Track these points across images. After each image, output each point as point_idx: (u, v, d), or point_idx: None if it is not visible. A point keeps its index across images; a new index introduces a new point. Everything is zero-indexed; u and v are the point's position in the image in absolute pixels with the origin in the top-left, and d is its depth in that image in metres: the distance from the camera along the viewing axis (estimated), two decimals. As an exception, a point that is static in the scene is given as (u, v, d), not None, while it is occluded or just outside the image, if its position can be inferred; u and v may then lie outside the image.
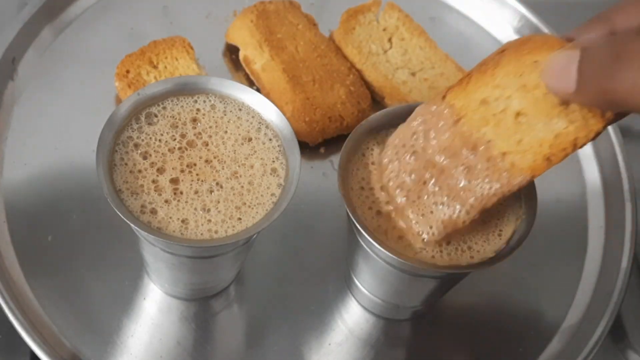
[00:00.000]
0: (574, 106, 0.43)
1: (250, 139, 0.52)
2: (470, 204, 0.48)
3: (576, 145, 0.44)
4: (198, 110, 0.53)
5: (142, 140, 0.51)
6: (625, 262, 0.65)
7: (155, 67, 0.69)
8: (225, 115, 0.53)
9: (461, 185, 0.48)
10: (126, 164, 0.50)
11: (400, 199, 0.51)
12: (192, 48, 0.71)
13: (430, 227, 0.50)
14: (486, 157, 0.47)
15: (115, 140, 0.51)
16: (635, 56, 0.37)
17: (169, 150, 0.51)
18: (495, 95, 0.46)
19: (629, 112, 0.43)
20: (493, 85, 0.46)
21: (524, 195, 0.52)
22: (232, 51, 0.75)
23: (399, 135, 0.52)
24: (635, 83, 0.37)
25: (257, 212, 0.50)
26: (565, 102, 0.44)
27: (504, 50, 0.46)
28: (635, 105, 0.38)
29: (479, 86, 0.47)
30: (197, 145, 0.52)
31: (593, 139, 0.44)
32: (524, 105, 0.45)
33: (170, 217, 0.48)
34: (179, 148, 0.51)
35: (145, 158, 0.50)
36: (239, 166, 0.51)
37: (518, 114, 0.45)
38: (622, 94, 0.38)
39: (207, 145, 0.52)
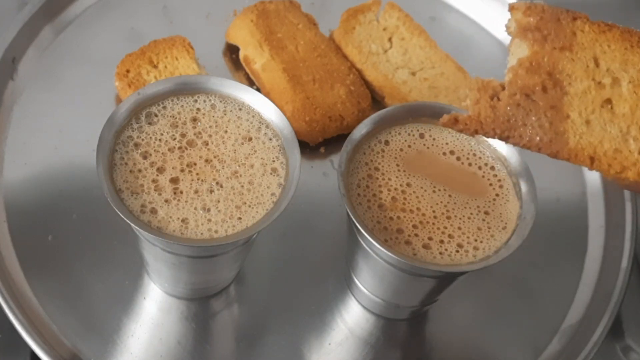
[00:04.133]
0: None
1: (250, 139, 0.52)
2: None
3: (620, 175, 0.41)
4: (198, 109, 0.53)
5: (142, 139, 0.51)
6: (625, 262, 0.65)
7: (155, 66, 0.69)
8: (225, 114, 0.53)
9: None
10: (126, 164, 0.50)
11: None
12: (192, 48, 0.71)
13: None
14: (550, 104, 0.42)
15: (116, 139, 0.51)
16: None
17: (169, 149, 0.51)
18: (615, 67, 0.41)
19: None
20: (624, 58, 0.41)
21: (524, 195, 0.52)
22: (232, 51, 0.75)
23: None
24: None
25: (257, 212, 0.50)
26: None
27: (610, 25, 0.42)
28: None
29: (610, 43, 0.41)
30: (197, 144, 0.52)
31: (635, 180, 0.40)
32: (624, 100, 0.40)
33: (171, 217, 0.48)
34: (179, 147, 0.51)
35: (145, 158, 0.50)
36: (239, 166, 0.51)
37: (611, 102, 0.41)
38: None
39: (207, 144, 0.52)
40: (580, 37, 0.43)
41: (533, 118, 0.43)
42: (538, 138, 0.42)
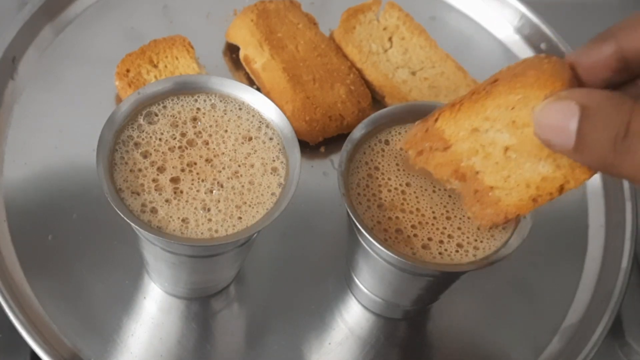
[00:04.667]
0: None
1: (250, 138, 0.52)
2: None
3: (562, 190, 0.43)
4: (198, 109, 0.53)
5: (143, 139, 0.51)
6: (625, 262, 0.65)
7: (155, 66, 0.69)
8: (225, 114, 0.53)
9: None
10: (126, 163, 0.50)
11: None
12: (192, 47, 0.71)
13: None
14: (474, 188, 0.47)
15: (116, 139, 0.51)
16: None
17: (169, 149, 0.51)
18: (486, 127, 0.44)
19: None
20: (484, 116, 0.44)
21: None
22: (232, 50, 0.75)
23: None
24: None
25: (257, 212, 0.50)
26: None
27: (497, 80, 0.44)
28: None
29: (469, 115, 0.45)
30: (197, 144, 0.52)
31: (578, 186, 0.43)
32: (513, 142, 0.43)
33: (171, 217, 0.48)
34: (179, 147, 0.51)
35: (145, 157, 0.50)
36: (239, 165, 0.51)
37: (507, 149, 0.44)
38: (628, 170, 0.36)
39: (207, 144, 0.52)
40: (446, 128, 0.47)
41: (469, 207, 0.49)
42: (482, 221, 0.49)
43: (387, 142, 0.55)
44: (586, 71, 0.42)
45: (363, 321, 0.61)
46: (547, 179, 0.43)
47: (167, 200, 0.49)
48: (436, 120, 0.47)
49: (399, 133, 0.55)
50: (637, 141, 0.35)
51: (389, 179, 0.53)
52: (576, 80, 0.42)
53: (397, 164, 0.54)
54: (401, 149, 0.51)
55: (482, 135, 0.45)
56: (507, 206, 0.46)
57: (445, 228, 0.51)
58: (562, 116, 0.38)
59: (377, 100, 0.73)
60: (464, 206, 0.49)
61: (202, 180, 0.50)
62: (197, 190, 0.50)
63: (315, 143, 0.69)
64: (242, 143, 0.52)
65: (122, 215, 0.46)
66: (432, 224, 0.51)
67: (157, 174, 0.50)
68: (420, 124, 0.50)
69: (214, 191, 0.50)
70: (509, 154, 0.44)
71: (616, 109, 0.36)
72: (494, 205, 0.47)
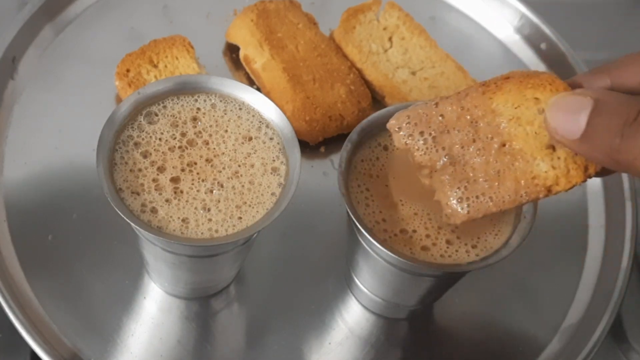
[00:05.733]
0: (561, 152, 0.44)
1: (250, 138, 0.52)
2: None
3: (550, 192, 0.44)
4: (198, 109, 0.53)
5: (143, 139, 0.51)
6: (625, 262, 0.65)
7: (155, 66, 0.69)
8: (225, 114, 0.53)
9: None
10: (126, 163, 0.50)
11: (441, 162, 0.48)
12: (192, 47, 0.71)
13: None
14: (460, 177, 0.46)
15: (116, 139, 0.51)
16: None
17: (170, 149, 0.51)
18: (487, 120, 0.45)
19: (616, 172, 0.43)
20: (489, 109, 0.45)
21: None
22: (232, 50, 0.75)
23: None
24: None
25: (257, 212, 0.50)
26: (552, 146, 0.44)
27: (509, 77, 0.45)
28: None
29: (474, 105, 0.45)
30: (197, 144, 0.52)
31: (568, 189, 0.44)
32: (512, 138, 0.44)
33: (171, 216, 0.48)
34: (180, 147, 0.51)
35: (145, 157, 0.50)
36: (239, 165, 0.51)
37: (503, 144, 0.45)
38: (631, 158, 0.38)
39: (207, 144, 0.52)
40: (445, 113, 0.46)
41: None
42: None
43: (385, 150, 0.55)
44: None
45: (363, 321, 0.61)
46: (539, 178, 0.44)
47: (167, 200, 0.49)
48: (436, 104, 0.47)
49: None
50: None
51: (389, 178, 0.53)
52: None
53: (397, 163, 0.54)
54: (389, 129, 0.50)
55: (482, 127, 0.45)
56: (490, 202, 0.46)
57: (445, 228, 0.51)
58: (575, 107, 0.40)
59: (377, 100, 0.73)
60: (440, 197, 0.48)
61: (202, 180, 0.50)
62: (197, 190, 0.50)
63: (315, 143, 0.69)
64: (242, 143, 0.52)
65: (122, 215, 0.46)
66: (433, 224, 0.51)
67: (157, 174, 0.50)
68: (414, 108, 0.48)
69: (214, 191, 0.50)
70: (504, 149, 0.45)
71: (627, 101, 0.39)
72: (476, 198, 0.46)
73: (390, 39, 0.76)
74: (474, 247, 0.51)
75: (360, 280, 0.59)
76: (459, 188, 0.46)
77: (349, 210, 0.50)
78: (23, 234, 0.61)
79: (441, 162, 0.47)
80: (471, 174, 0.46)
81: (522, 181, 0.44)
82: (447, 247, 0.51)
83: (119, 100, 0.69)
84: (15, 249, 0.60)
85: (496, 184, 0.45)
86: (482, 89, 0.45)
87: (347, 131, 0.65)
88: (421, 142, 0.47)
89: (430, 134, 0.47)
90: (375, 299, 0.59)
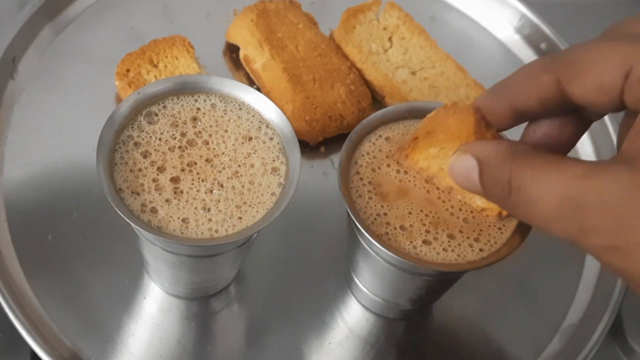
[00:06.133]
0: None
1: (250, 138, 0.52)
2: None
3: (501, 216, 0.50)
4: (198, 109, 0.53)
5: (143, 139, 0.51)
6: (625, 261, 0.65)
7: (155, 66, 0.69)
8: (225, 114, 0.53)
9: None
10: (126, 163, 0.50)
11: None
12: (192, 47, 0.71)
13: None
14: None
15: (116, 139, 0.51)
16: (525, 192, 0.38)
17: (169, 149, 0.51)
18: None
19: None
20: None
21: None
22: (232, 50, 0.75)
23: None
24: (531, 215, 0.38)
25: (257, 212, 0.50)
26: None
27: (416, 138, 0.50)
28: (539, 226, 0.39)
29: (414, 159, 0.50)
30: (197, 144, 0.52)
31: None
32: (451, 186, 0.50)
33: (171, 216, 0.48)
34: (179, 147, 0.51)
35: (145, 157, 0.50)
36: (239, 165, 0.51)
37: (450, 189, 0.50)
38: (523, 216, 0.39)
39: (207, 144, 0.52)
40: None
41: None
42: None
43: (387, 142, 0.55)
44: (490, 115, 0.45)
45: (363, 321, 0.61)
46: (486, 210, 0.50)
47: (167, 200, 0.49)
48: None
49: (399, 133, 0.55)
50: (518, 198, 0.38)
51: (389, 178, 0.53)
52: (484, 122, 0.46)
53: (397, 163, 0.54)
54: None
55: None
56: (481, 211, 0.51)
57: (445, 228, 0.51)
58: (466, 169, 0.42)
59: (377, 100, 0.73)
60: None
61: (202, 180, 0.50)
62: (197, 190, 0.50)
63: (315, 143, 0.69)
64: (242, 143, 0.52)
65: (122, 215, 0.46)
66: (433, 224, 0.51)
67: (157, 174, 0.50)
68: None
69: (214, 191, 0.50)
70: (452, 193, 0.51)
71: (500, 167, 0.40)
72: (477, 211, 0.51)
73: (390, 39, 0.76)
74: (474, 247, 0.51)
75: (360, 280, 0.59)
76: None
77: (348, 210, 0.50)
78: (23, 234, 0.61)
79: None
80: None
81: (477, 215, 0.50)
82: (447, 247, 0.50)
83: (119, 100, 0.69)
84: (15, 249, 0.60)
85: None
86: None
87: (347, 131, 0.65)
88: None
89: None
90: (375, 299, 0.59)
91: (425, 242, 0.50)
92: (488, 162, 0.41)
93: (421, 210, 0.51)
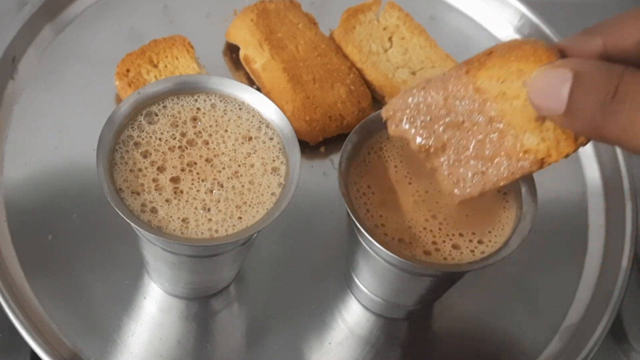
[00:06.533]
0: (549, 124, 0.42)
1: (250, 138, 0.52)
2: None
3: (543, 165, 0.44)
4: (198, 109, 0.53)
5: (143, 139, 0.51)
6: (625, 262, 0.65)
7: (155, 66, 0.69)
8: (225, 114, 0.53)
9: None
10: (126, 163, 0.50)
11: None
12: (192, 47, 0.71)
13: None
14: (453, 158, 0.47)
15: (116, 139, 0.51)
16: (634, 97, 0.36)
17: (169, 149, 0.51)
18: (474, 99, 0.45)
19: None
20: (475, 87, 0.44)
21: (524, 195, 0.52)
22: (232, 50, 0.75)
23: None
24: (630, 126, 0.36)
25: (257, 211, 0.50)
26: (541, 119, 0.42)
27: (492, 52, 0.45)
28: (627, 146, 0.37)
29: (459, 85, 0.45)
30: (197, 144, 0.52)
31: (560, 159, 0.43)
32: (500, 114, 0.44)
33: (171, 216, 0.48)
34: (179, 147, 0.51)
35: (145, 157, 0.50)
36: (239, 165, 0.51)
37: (492, 122, 0.44)
38: (614, 133, 0.37)
39: (207, 144, 0.52)
40: (435, 97, 0.47)
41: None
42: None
43: (387, 141, 0.55)
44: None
45: (363, 321, 0.61)
46: (530, 152, 0.44)
47: (167, 200, 0.49)
48: (423, 89, 0.47)
49: None
50: (624, 102, 0.36)
51: (390, 178, 0.53)
52: None
53: (396, 164, 0.54)
54: (383, 119, 0.50)
55: (469, 107, 0.45)
56: (484, 181, 0.46)
57: (444, 228, 0.51)
58: (556, 81, 0.39)
59: (377, 100, 0.73)
60: (439, 181, 0.48)
61: (202, 180, 0.50)
62: (197, 190, 0.50)
63: (315, 143, 0.69)
64: (242, 143, 0.52)
65: (122, 215, 0.46)
66: (432, 224, 0.51)
67: (157, 174, 0.50)
68: (403, 95, 0.48)
69: (214, 191, 0.50)
70: (494, 126, 0.44)
71: (607, 73, 0.37)
72: (470, 178, 0.47)
73: (390, 39, 0.76)
74: (473, 247, 0.51)
75: (360, 280, 0.59)
76: (452, 171, 0.47)
77: (349, 210, 0.50)
78: (23, 234, 0.61)
79: (433, 147, 0.47)
80: (463, 156, 0.46)
81: (514, 157, 0.44)
82: (447, 247, 0.51)
83: (119, 100, 0.69)
84: (15, 249, 0.60)
85: (489, 163, 0.45)
86: (466, 67, 0.45)
87: (347, 131, 0.65)
88: (412, 128, 0.47)
89: (420, 119, 0.47)
90: (375, 299, 0.59)
91: (425, 252, 0.50)
92: (590, 72, 0.38)
93: (417, 216, 0.51)
